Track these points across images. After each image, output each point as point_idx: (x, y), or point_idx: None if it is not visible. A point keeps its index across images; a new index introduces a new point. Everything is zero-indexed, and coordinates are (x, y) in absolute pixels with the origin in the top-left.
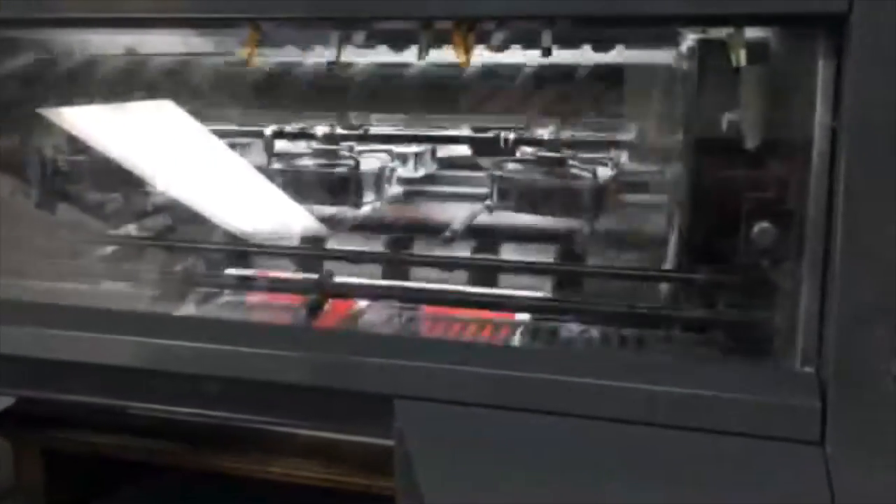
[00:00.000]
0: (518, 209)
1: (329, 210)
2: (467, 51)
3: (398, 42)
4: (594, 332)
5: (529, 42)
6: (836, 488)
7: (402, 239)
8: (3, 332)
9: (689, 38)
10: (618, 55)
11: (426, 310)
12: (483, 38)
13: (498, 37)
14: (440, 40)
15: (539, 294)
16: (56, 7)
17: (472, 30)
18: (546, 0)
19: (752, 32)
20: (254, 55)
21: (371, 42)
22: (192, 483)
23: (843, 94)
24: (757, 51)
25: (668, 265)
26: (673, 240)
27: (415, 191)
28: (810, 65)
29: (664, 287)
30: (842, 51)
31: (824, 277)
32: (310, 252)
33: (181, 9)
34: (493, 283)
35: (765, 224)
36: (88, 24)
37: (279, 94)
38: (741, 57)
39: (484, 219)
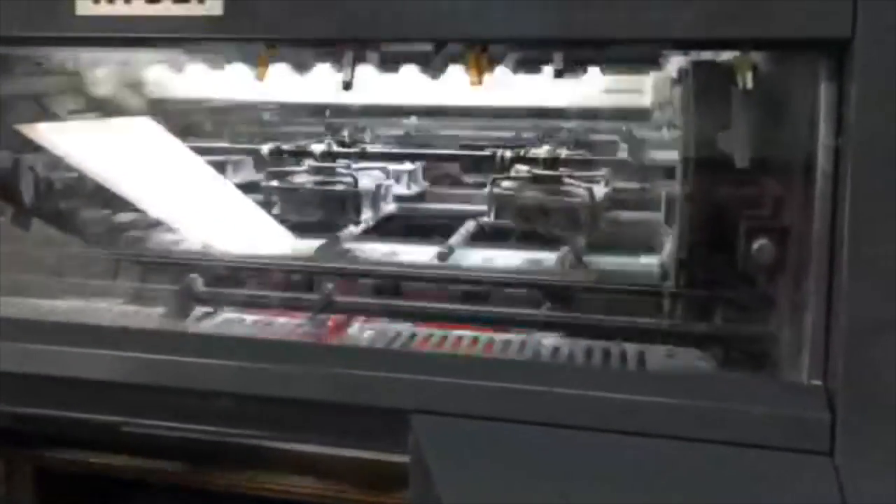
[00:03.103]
0: (515, 225)
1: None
2: (481, 72)
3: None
4: (595, 347)
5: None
6: (847, 499)
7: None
8: None
9: (682, 60)
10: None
11: (421, 326)
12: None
13: (511, 58)
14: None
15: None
16: (65, 26)
17: (485, 51)
18: (557, 24)
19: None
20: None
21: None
22: (188, 501)
23: (846, 115)
24: None
25: (670, 281)
26: (674, 256)
27: (409, 208)
28: (805, 86)
29: (665, 302)
30: (844, 73)
31: (830, 292)
32: (305, 268)
33: (196, 29)
34: (488, 299)
35: (767, 241)
36: (100, 43)
37: None
38: (748, 79)
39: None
